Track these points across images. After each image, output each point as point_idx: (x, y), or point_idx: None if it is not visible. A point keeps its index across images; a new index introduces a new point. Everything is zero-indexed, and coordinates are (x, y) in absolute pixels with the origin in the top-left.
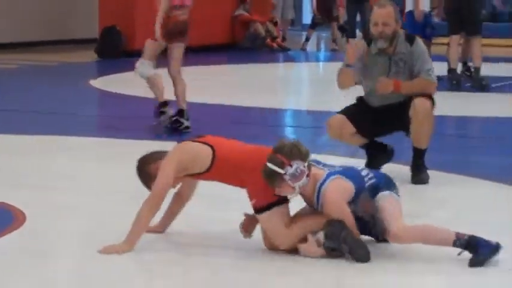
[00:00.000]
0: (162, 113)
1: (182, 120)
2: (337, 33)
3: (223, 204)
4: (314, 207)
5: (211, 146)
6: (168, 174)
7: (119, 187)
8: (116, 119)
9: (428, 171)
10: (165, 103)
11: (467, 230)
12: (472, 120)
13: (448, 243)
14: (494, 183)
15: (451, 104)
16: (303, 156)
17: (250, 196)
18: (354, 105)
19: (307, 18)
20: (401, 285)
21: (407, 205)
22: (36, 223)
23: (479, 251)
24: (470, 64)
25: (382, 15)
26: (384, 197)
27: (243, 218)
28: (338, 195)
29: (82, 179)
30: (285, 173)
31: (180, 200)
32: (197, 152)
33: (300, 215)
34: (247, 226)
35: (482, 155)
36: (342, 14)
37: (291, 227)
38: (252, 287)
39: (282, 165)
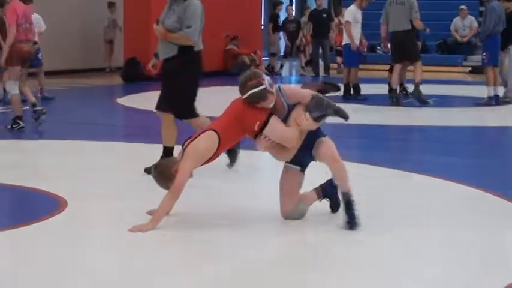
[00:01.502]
0: (17, 123)
1: (19, 121)
2: (303, 61)
3: (211, 196)
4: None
5: (215, 130)
6: (186, 172)
7: (138, 178)
8: (136, 128)
9: (376, 168)
10: (20, 117)
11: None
12: (410, 129)
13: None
14: (425, 176)
15: (393, 116)
16: (263, 74)
17: (253, 124)
18: None
19: (281, 50)
20: None
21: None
22: (76, 207)
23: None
24: (406, 85)
25: None
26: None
27: None
28: (292, 86)
29: (110, 172)
30: (266, 86)
31: None
32: (207, 146)
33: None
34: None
35: (417, 155)
36: (309, 50)
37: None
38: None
39: (260, 84)
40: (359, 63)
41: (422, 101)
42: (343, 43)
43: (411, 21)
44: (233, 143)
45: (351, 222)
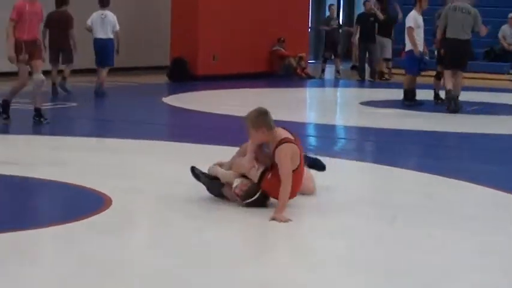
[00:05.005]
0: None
1: None
2: (339, 65)
3: None
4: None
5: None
6: (288, 167)
7: (181, 177)
8: (181, 127)
9: (418, 173)
10: None
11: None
12: (454, 135)
13: None
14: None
15: (437, 123)
16: None
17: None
18: None
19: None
20: None
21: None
22: (120, 205)
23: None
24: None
25: None
26: None
27: None
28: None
29: (154, 171)
30: None
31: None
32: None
33: None
34: None
35: (460, 161)
36: (355, 52)
37: None
38: None
39: None
40: (419, 71)
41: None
42: (406, 49)
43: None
44: None
45: None
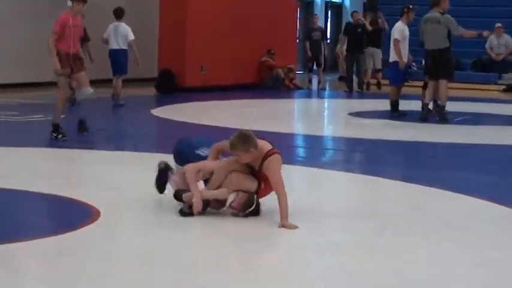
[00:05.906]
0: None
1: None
2: (322, 75)
3: None
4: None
5: None
6: (280, 180)
7: (169, 189)
8: (169, 139)
9: (409, 185)
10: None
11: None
12: (443, 146)
13: None
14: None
15: (426, 133)
16: None
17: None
18: None
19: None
20: None
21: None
22: (108, 217)
23: None
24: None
25: None
26: None
27: None
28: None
29: (143, 183)
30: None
31: None
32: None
33: None
34: None
35: (449, 172)
36: (342, 63)
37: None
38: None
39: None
40: (403, 82)
41: (445, 119)
42: (390, 60)
43: (448, 39)
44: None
45: None
